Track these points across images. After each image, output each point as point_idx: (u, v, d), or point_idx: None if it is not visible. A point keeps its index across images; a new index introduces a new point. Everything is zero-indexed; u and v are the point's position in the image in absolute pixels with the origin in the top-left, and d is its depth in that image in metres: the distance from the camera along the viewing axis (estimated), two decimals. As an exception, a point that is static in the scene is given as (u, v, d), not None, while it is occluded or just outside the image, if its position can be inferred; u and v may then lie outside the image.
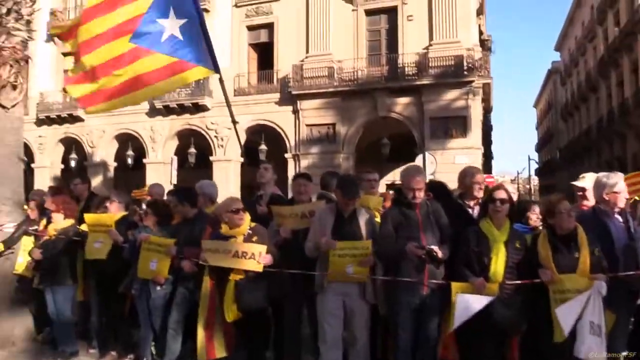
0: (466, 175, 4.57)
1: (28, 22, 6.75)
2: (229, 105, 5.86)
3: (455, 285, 4.00)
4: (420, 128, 20.40)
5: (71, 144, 26.57)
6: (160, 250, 4.92)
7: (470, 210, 4.52)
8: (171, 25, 5.18)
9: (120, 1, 5.31)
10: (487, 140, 33.93)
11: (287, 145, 22.30)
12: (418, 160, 16.60)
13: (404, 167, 4.54)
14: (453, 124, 20.11)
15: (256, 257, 4.31)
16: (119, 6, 5.31)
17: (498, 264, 3.92)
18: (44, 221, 6.24)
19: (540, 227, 4.61)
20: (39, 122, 26.56)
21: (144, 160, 24.77)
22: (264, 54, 23.67)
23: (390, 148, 20.96)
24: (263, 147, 22.32)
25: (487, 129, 33.33)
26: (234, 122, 5.76)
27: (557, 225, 3.86)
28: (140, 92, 5.36)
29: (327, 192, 5.35)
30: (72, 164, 25.84)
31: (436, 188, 4.74)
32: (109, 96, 5.43)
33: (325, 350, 4.31)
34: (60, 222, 5.64)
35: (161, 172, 23.77)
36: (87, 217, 5.60)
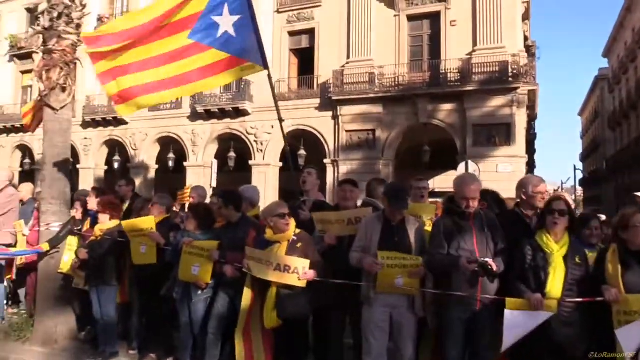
0: (528, 184, 4.34)
1: (78, 26, 6.85)
2: (276, 102, 5.78)
3: (510, 301, 3.77)
4: (462, 135, 19.98)
5: (115, 146, 27.23)
6: (202, 255, 4.85)
7: (527, 221, 4.28)
8: (225, 22, 5.20)
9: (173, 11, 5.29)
10: (530, 149, 33.04)
11: (327, 150, 22.21)
12: (460, 168, 16.26)
13: (457, 175, 4.34)
14: (496, 132, 19.63)
15: (299, 271, 4.18)
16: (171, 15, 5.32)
17: (556, 279, 3.67)
18: (88, 221, 6.32)
19: (599, 244, 4.35)
20: (85, 125, 27.34)
21: (185, 164, 25.14)
22: (305, 59, 23.70)
23: (431, 155, 20.63)
24: (302, 152, 22.30)
25: (531, 137, 32.46)
26: (281, 119, 5.69)
27: (629, 240, 3.59)
28: (190, 85, 5.39)
29: (373, 199, 5.20)
30: (116, 165, 26.45)
31: (490, 197, 4.52)
32: (151, 89, 5.42)
33: None
34: (106, 222, 5.67)
35: (201, 175, 24.08)
36: (124, 224, 5.60)
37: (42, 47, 6.76)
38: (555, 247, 3.73)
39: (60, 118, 6.67)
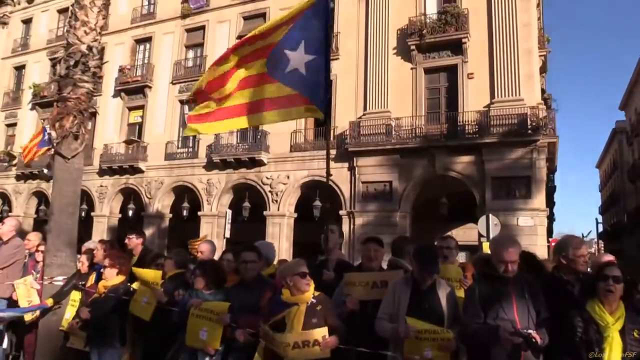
0: (568, 246, 3.93)
1: (94, 74, 6.76)
2: (327, 154, 5.51)
3: None
4: (481, 188, 19.55)
5: (130, 194, 27.17)
6: (212, 318, 4.46)
7: (569, 288, 3.87)
8: (298, 59, 5.08)
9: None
10: (550, 202, 32.40)
11: (342, 202, 21.87)
12: (481, 222, 15.78)
13: (495, 236, 3.94)
14: (516, 184, 19.18)
15: (320, 341, 3.77)
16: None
17: (612, 356, 3.23)
18: (93, 276, 5.98)
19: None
20: (101, 172, 27.43)
21: (199, 213, 24.90)
22: (321, 110, 23.70)
23: (449, 207, 20.18)
24: (317, 202, 21.99)
25: (550, 189, 31.90)
26: (328, 174, 5.43)
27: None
28: (255, 116, 5.39)
29: (400, 259, 4.81)
30: (130, 213, 26.30)
31: (527, 260, 4.12)
32: (221, 116, 5.43)
33: None
34: (111, 278, 5.31)
35: (215, 225, 23.81)
36: (137, 271, 5.27)
37: (57, 95, 6.66)
38: (611, 319, 3.30)
39: (70, 167, 6.48)
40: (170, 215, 26.32)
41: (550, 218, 35.88)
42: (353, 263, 4.85)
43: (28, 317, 6.28)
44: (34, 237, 7.40)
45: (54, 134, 6.46)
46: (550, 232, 36.18)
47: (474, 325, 3.59)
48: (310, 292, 4.02)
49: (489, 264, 3.74)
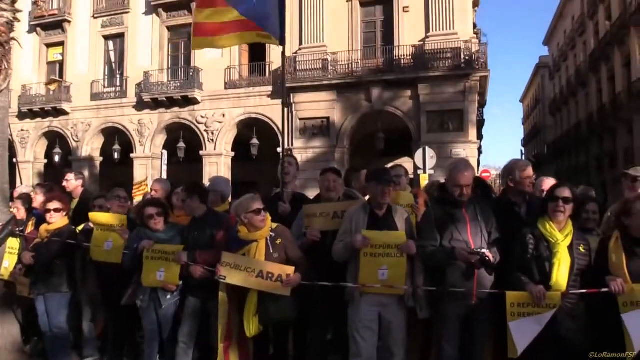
0: (515, 169, 4.09)
1: (13, 2, 6.13)
2: (283, 83, 5.61)
3: (510, 295, 3.54)
4: (416, 122, 19.99)
5: (55, 138, 25.73)
6: (167, 258, 4.36)
7: (517, 209, 4.06)
8: None
9: None
10: (479, 135, 33.64)
11: (279, 139, 21.71)
12: (418, 154, 16.19)
13: (451, 161, 4.03)
14: (449, 118, 19.78)
15: (283, 278, 3.80)
16: None
17: (561, 270, 3.45)
18: (32, 222, 5.67)
19: (597, 229, 4.17)
20: (22, 116, 25.68)
21: (131, 155, 24.05)
22: (256, 45, 23.01)
23: (385, 142, 20.55)
24: (255, 141, 21.75)
25: (479, 123, 33.07)
26: (284, 104, 5.36)
27: (633, 227, 3.40)
28: (208, 39, 5.44)
29: (351, 190, 4.85)
30: (57, 158, 25.00)
31: (477, 184, 4.25)
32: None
33: None
34: (54, 222, 5.04)
35: (149, 167, 23.16)
36: (94, 216, 5.03)
37: (-28, 26, 6.01)
38: (560, 236, 3.50)
39: (-5, 106, 5.97)
40: (101, 159, 25.32)
41: (479, 150, 37.44)
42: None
43: None
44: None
45: (-28, 69, 5.88)
46: (478, 163, 37.86)
47: (430, 247, 3.73)
48: (267, 227, 4.00)
49: (444, 189, 3.85)
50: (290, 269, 3.82)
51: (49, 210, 5.04)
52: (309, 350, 4.40)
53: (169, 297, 4.48)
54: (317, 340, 4.34)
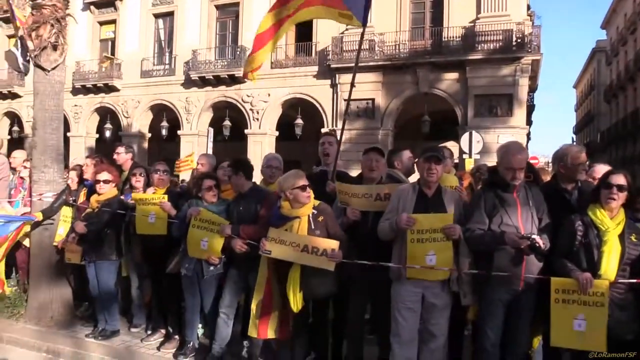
0: (567, 155, 3.94)
1: (69, -21, 6.31)
2: (356, 64, 5.56)
3: (555, 281, 3.43)
4: (463, 105, 19.55)
5: (106, 114, 26.51)
6: (212, 229, 4.46)
7: (567, 196, 3.92)
8: None
9: None
10: (528, 120, 32.68)
11: (324, 120, 21.70)
12: (464, 139, 15.88)
13: (504, 143, 3.92)
14: (498, 102, 19.23)
15: (328, 253, 3.78)
16: None
17: (610, 259, 3.32)
18: (84, 192, 5.88)
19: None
20: (75, 91, 26.50)
21: (178, 132, 24.54)
22: (303, 25, 22.86)
23: (431, 125, 20.23)
24: (299, 121, 21.80)
25: (529, 108, 32.09)
26: (353, 84, 5.37)
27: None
28: (298, 14, 5.39)
29: (394, 170, 4.80)
30: (107, 134, 25.78)
31: (529, 169, 4.13)
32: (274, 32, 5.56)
33: (399, 347, 3.81)
34: (103, 193, 5.22)
35: (195, 144, 23.55)
36: (136, 195, 5.18)
37: (31, 2, 6.22)
38: (611, 223, 3.36)
39: (51, 79, 6.19)
40: (149, 135, 25.89)
41: (528, 137, 36.37)
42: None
43: (27, 242, 6.21)
44: (19, 154, 7.17)
45: (31, 44, 6.10)
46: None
47: (478, 231, 3.65)
48: (310, 204, 3.99)
49: (495, 172, 3.75)
50: (335, 244, 3.81)
51: (98, 182, 5.22)
52: (347, 329, 4.42)
53: (211, 268, 4.59)
54: (355, 319, 4.34)
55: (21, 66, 6.56)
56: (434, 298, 3.76)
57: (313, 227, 3.95)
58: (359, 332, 4.34)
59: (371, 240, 4.00)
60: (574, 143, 50.28)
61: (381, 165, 4.34)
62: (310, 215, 3.99)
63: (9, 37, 28.87)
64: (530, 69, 19.55)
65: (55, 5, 6.17)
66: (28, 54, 6.19)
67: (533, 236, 3.40)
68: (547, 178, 4.49)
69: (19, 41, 6.41)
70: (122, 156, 6.18)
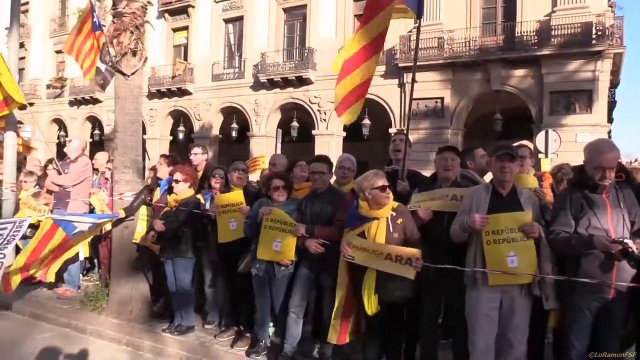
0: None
1: (146, -13, 6.56)
2: (415, 60, 5.50)
3: None
4: (538, 102, 18.70)
5: (179, 117, 27.52)
6: (285, 229, 4.46)
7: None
8: None
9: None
10: (609, 118, 30.85)
11: (392, 120, 21.46)
12: (539, 138, 15.16)
13: (592, 141, 3.67)
14: (576, 99, 18.22)
15: (412, 262, 3.66)
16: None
17: None
18: (157, 191, 6.08)
19: None
20: (150, 96, 27.71)
21: (248, 134, 25.07)
22: (370, 25, 22.76)
23: (502, 124, 19.49)
24: (367, 121, 21.67)
25: (610, 105, 30.32)
26: (414, 80, 5.39)
27: None
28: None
29: (468, 170, 4.63)
30: (180, 136, 26.75)
31: (620, 169, 3.85)
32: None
33: (477, 356, 3.65)
34: (182, 192, 5.38)
35: (264, 145, 23.95)
36: (218, 197, 5.27)
37: (112, 11, 6.52)
38: None
39: (131, 84, 6.47)
40: (220, 137, 26.63)
41: (608, 135, 34.32)
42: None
43: (108, 226, 6.53)
44: (101, 157, 7.58)
45: (112, 51, 6.40)
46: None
47: (564, 233, 3.44)
48: (389, 206, 3.88)
49: (582, 172, 3.52)
50: (417, 252, 3.69)
51: (176, 181, 5.38)
52: (420, 334, 4.30)
53: (282, 269, 4.60)
54: (428, 324, 4.22)
55: (106, 73, 6.93)
56: (513, 304, 3.58)
57: (392, 229, 3.85)
58: (433, 337, 4.22)
59: (445, 243, 3.88)
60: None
61: (456, 164, 4.19)
62: (389, 217, 3.89)
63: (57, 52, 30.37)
64: (612, 63, 18.43)
65: (134, 13, 6.44)
66: (108, 60, 6.52)
67: (625, 240, 3.15)
68: (640, 178, 4.18)
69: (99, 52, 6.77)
70: (199, 157, 6.36)
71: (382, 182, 3.85)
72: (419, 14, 4.94)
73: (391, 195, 3.91)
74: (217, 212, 5.15)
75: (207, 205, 5.36)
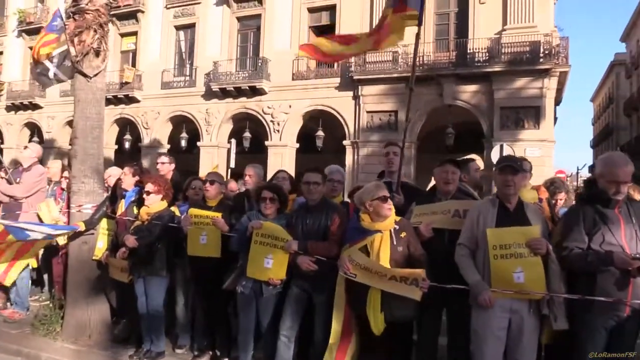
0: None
1: (111, -16, 6.13)
2: (414, 66, 5.34)
3: None
4: (489, 117, 19.20)
5: (126, 125, 26.45)
6: (277, 245, 4.13)
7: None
8: None
9: None
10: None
11: (346, 132, 21.44)
12: (494, 151, 15.58)
13: (605, 154, 3.58)
14: (525, 114, 18.86)
15: (419, 282, 3.49)
16: None
17: None
18: (122, 203, 5.62)
19: None
20: (95, 102, 26.45)
21: (198, 143, 24.40)
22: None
23: (455, 137, 19.88)
24: (320, 133, 21.56)
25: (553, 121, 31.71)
26: (411, 88, 5.16)
27: None
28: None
29: (463, 184, 4.50)
30: (126, 145, 25.70)
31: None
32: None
33: None
34: (153, 204, 4.95)
35: (215, 156, 23.41)
36: (191, 210, 4.89)
37: (73, 7, 6.04)
38: None
39: (93, 86, 5.99)
40: (169, 146, 25.78)
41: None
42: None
43: (61, 240, 5.98)
44: (55, 165, 6.99)
45: (73, 50, 5.91)
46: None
47: (577, 250, 3.33)
48: (392, 218, 3.71)
49: (594, 185, 3.43)
50: (422, 273, 3.52)
51: (147, 193, 4.95)
52: (418, 354, 4.10)
53: (271, 287, 4.26)
54: (427, 344, 4.02)
55: (52, 76, 6.32)
56: (522, 323, 3.44)
57: (395, 242, 3.66)
58: (432, 355, 4.03)
59: (446, 261, 3.70)
60: (593, 155, 49.55)
61: (457, 178, 4.04)
62: (392, 230, 3.70)
63: (31, 48, 28.93)
64: (557, 81, 19.20)
65: (98, 11, 5.99)
66: (67, 60, 6.01)
67: None
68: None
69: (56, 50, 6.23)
70: (166, 166, 5.97)
71: (383, 193, 3.70)
72: (419, 21, 4.90)
73: (393, 208, 3.74)
74: (189, 225, 4.78)
75: None
